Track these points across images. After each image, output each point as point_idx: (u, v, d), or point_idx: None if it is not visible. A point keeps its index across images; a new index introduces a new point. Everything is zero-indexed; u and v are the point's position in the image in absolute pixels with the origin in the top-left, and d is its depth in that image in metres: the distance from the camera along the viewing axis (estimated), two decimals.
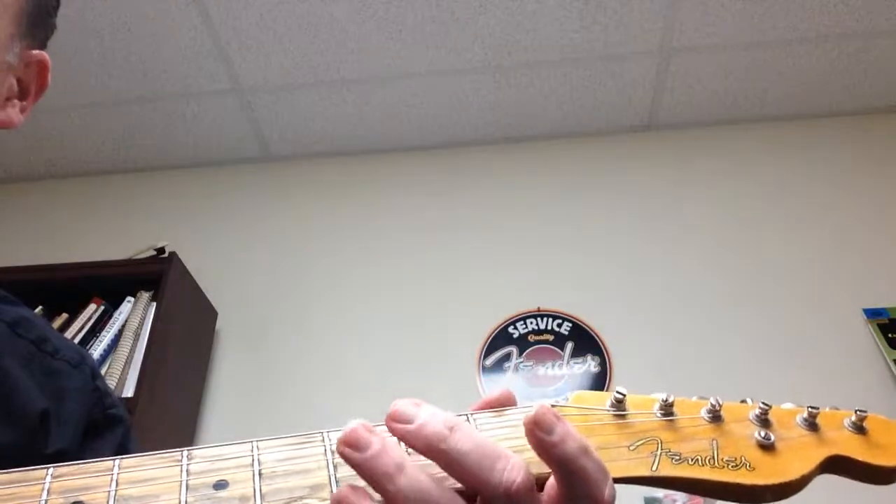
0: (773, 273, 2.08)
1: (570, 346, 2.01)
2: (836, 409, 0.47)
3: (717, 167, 2.33)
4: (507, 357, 2.01)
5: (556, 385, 1.95)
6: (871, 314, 1.95)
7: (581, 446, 0.37)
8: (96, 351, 1.85)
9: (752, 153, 2.36)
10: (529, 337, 2.04)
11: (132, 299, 1.97)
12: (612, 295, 2.10)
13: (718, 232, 2.19)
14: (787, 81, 2.29)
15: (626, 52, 2.18)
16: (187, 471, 0.35)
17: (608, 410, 0.44)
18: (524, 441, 0.38)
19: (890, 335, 1.90)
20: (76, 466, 0.34)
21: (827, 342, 1.93)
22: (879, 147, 2.32)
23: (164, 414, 1.83)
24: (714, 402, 0.45)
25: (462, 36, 2.13)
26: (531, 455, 0.38)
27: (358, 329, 2.12)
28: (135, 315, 1.94)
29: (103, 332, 1.90)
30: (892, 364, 1.85)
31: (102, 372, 1.73)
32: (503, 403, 0.44)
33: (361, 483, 0.35)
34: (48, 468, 0.33)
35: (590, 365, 1.98)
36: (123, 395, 1.74)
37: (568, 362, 1.99)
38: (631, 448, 0.41)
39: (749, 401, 0.47)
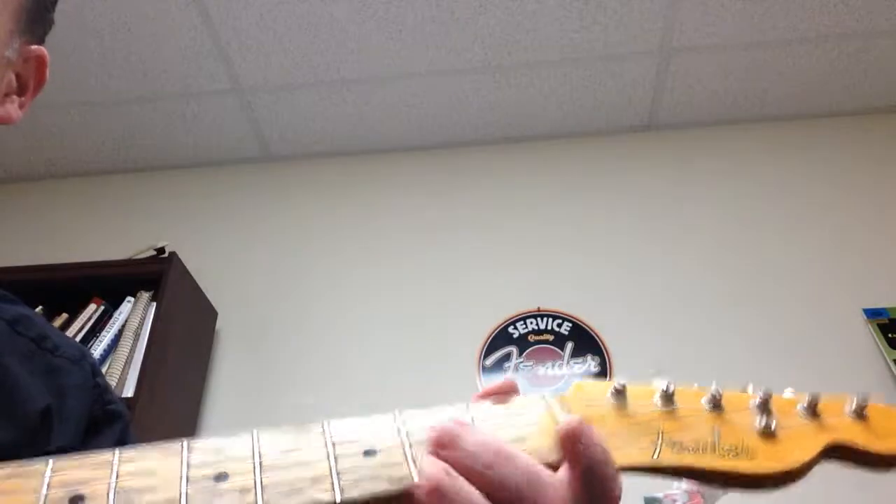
0: (773, 273, 2.08)
1: (570, 346, 2.01)
2: (837, 395, 0.46)
3: (717, 167, 2.33)
4: (507, 357, 2.01)
5: (556, 385, 1.95)
6: (871, 314, 1.95)
7: (604, 450, 0.39)
8: (96, 351, 1.85)
9: (752, 153, 2.35)
10: (529, 337, 2.04)
11: (132, 299, 1.97)
12: (612, 295, 2.10)
13: (718, 232, 2.19)
14: (787, 81, 2.28)
15: (626, 52, 2.18)
16: (187, 463, 0.34)
17: (609, 400, 0.44)
18: (527, 430, 0.39)
19: (890, 335, 1.90)
20: (76, 459, 0.34)
21: (827, 342, 1.92)
22: (879, 147, 2.32)
23: (164, 414, 1.83)
24: (715, 391, 0.45)
25: (462, 36, 2.13)
26: (537, 443, 0.39)
27: (358, 329, 2.12)
28: (135, 315, 1.94)
29: (103, 332, 1.90)
30: (892, 364, 1.85)
31: (102, 372, 1.72)
32: (506, 393, 0.44)
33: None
34: (48, 460, 0.33)
35: (590, 365, 1.98)
36: (123, 395, 1.73)
37: (568, 362, 1.99)
38: (632, 437, 0.41)
39: (750, 389, 0.46)
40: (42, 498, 0.31)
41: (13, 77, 0.65)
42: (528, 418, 0.42)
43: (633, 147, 2.42)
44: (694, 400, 0.45)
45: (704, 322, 2.01)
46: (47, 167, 2.57)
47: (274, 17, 2.07)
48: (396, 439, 0.38)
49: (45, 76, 0.68)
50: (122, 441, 0.67)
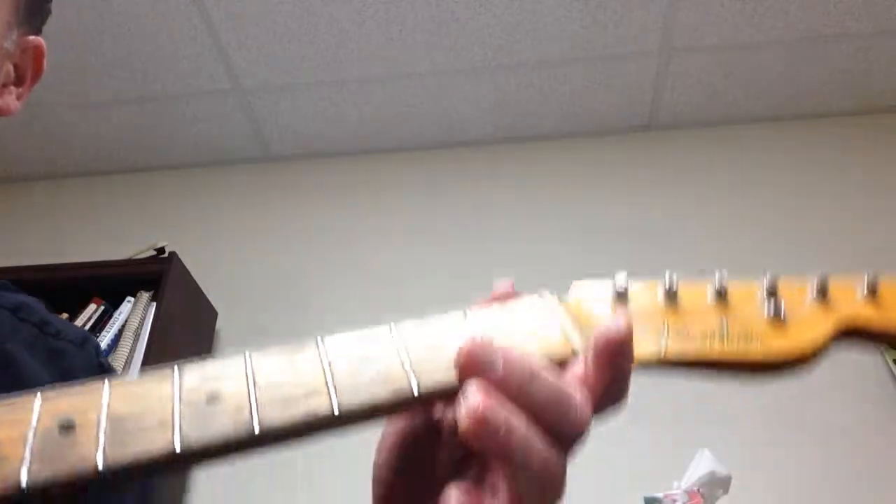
0: (773, 272, 2.08)
1: None
2: (848, 276, 0.45)
3: (717, 167, 2.33)
4: None
5: None
6: None
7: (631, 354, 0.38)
8: None
9: (752, 153, 2.35)
10: None
11: (132, 299, 1.97)
12: None
13: (718, 232, 2.19)
14: (787, 81, 2.28)
15: (626, 52, 2.18)
16: (179, 385, 0.34)
17: (612, 296, 0.43)
18: (526, 337, 0.39)
19: None
20: (66, 389, 0.33)
21: None
22: (879, 147, 2.32)
23: None
24: (720, 283, 0.44)
25: (462, 36, 2.13)
26: (546, 337, 0.39)
27: (358, 329, 2.12)
28: (135, 315, 1.94)
29: (103, 333, 1.90)
30: (892, 364, 1.85)
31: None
32: (506, 297, 0.44)
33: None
34: (37, 391, 0.32)
35: None
36: None
37: None
38: (638, 334, 0.39)
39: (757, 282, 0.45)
40: (33, 428, 0.31)
41: (11, 68, 0.65)
42: (535, 321, 0.41)
43: (633, 147, 2.42)
44: (699, 293, 0.44)
45: None
46: (47, 167, 2.57)
47: (274, 18, 2.07)
48: (393, 350, 0.38)
49: (42, 67, 0.68)
50: None
